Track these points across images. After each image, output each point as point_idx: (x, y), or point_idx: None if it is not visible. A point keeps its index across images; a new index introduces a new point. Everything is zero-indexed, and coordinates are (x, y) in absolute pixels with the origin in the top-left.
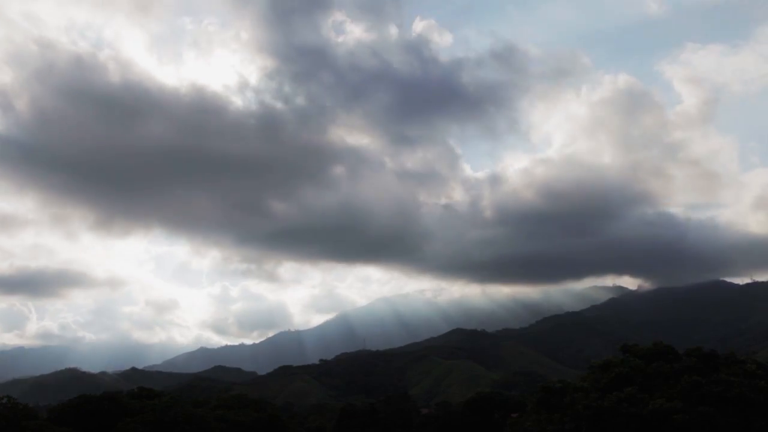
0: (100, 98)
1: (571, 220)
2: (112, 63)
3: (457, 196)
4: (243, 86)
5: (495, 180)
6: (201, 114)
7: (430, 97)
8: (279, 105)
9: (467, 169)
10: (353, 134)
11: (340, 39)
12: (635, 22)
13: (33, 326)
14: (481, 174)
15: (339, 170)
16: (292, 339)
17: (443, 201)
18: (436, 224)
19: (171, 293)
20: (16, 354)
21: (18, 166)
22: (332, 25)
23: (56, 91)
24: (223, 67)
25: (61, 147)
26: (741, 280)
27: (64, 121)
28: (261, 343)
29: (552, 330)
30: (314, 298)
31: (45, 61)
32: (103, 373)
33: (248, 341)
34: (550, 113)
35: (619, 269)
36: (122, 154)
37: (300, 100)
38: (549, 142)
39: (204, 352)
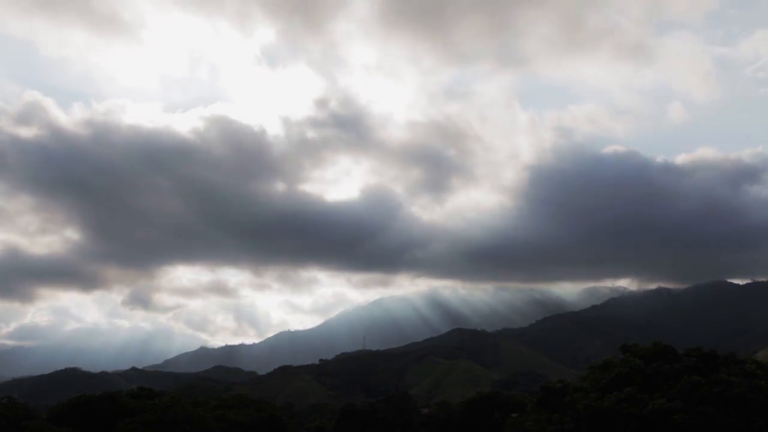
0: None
1: (571, 219)
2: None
3: (458, 195)
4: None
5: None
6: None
7: None
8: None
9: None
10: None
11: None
12: None
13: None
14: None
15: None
16: (292, 339)
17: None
18: (436, 224)
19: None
20: (16, 353)
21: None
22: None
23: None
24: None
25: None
26: (741, 280)
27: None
28: (261, 343)
29: (552, 330)
30: (315, 298)
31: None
32: (103, 373)
33: (248, 341)
34: None
35: (620, 269)
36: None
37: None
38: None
39: (204, 352)
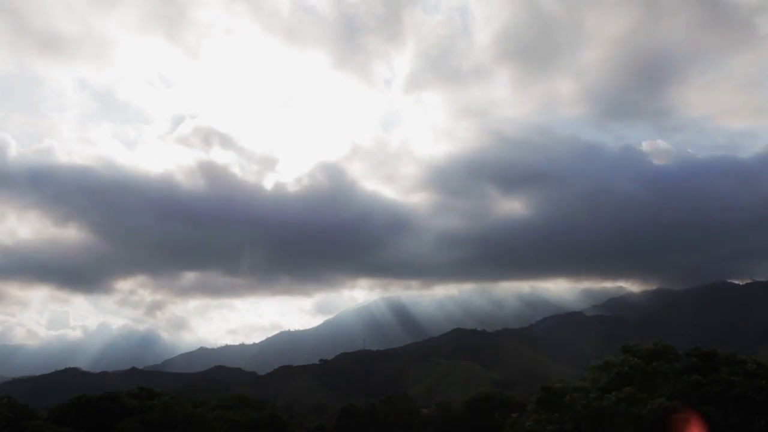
0: None
1: (570, 218)
2: None
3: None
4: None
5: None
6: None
7: None
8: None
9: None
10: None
11: None
12: None
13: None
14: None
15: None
16: (292, 339)
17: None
18: (436, 226)
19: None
20: (16, 352)
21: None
22: None
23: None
24: None
25: None
26: (741, 280)
27: None
28: (261, 343)
29: (552, 330)
30: (315, 299)
31: None
32: (103, 373)
33: (248, 341)
34: None
35: (620, 269)
36: None
37: None
38: None
39: (204, 352)
